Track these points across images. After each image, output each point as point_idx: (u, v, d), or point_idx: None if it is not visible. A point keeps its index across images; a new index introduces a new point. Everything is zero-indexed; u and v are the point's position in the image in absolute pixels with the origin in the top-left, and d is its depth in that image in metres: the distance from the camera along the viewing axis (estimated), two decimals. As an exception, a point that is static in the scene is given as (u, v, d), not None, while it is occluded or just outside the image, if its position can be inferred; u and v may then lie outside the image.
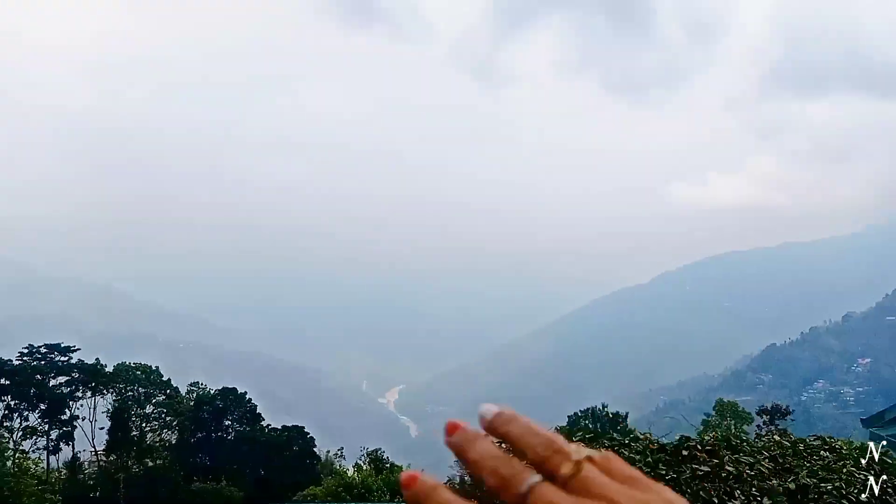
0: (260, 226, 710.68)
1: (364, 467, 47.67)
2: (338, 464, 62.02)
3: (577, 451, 0.81)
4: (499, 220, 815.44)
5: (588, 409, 46.13)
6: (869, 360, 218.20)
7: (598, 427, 41.05)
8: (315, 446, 59.87)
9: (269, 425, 61.20)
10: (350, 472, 43.66)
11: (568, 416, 45.38)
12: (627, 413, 46.70)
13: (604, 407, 46.40)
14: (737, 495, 9.72)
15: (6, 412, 54.07)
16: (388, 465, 47.10)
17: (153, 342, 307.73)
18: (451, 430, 0.91)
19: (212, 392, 61.50)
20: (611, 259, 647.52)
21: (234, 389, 61.41)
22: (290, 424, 62.11)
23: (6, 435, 48.11)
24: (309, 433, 59.72)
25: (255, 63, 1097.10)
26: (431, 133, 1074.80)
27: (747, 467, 10.44)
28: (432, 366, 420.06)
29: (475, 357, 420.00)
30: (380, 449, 58.33)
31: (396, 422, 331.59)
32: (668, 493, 0.81)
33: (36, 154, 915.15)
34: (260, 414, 61.55)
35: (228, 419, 58.88)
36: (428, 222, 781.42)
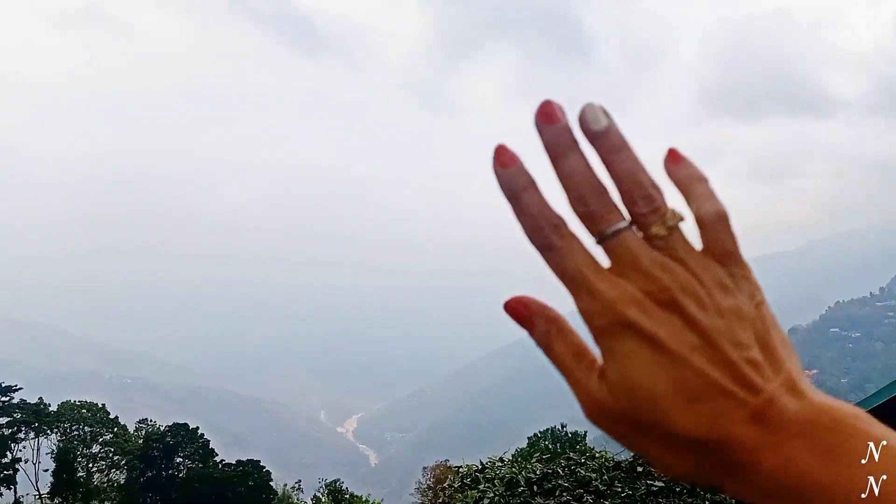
0: (209, 258, 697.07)
1: (322, 499, 46.73)
2: (295, 497, 60.57)
3: (674, 215, 0.71)
4: (451, 245, 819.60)
5: (547, 429, 46.22)
6: (815, 371, 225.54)
7: (557, 447, 41.18)
8: (271, 480, 58.37)
9: (222, 461, 59.41)
10: (308, 505, 42.73)
11: (528, 438, 45.34)
12: (586, 432, 46.84)
13: (563, 427, 46.57)
14: (691, 509, 9.91)
15: (-59, 457, 51.36)
16: (347, 496, 46.27)
17: (99, 380, 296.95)
18: (545, 119, 0.72)
19: (161, 429, 59.53)
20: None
21: (185, 425, 59.54)
22: (244, 459, 60.48)
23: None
24: (265, 467, 58.20)
25: (204, 100, 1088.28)
26: (383, 161, 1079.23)
27: (700, 481, 10.68)
28: (390, 392, 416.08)
29: (433, 382, 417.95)
30: (338, 479, 57.28)
31: (355, 451, 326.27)
32: (756, 286, 0.72)
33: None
34: (213, 450, 59.72)
35: (179, 456, 56.93)
36: (380, 249, 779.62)
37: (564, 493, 10.35)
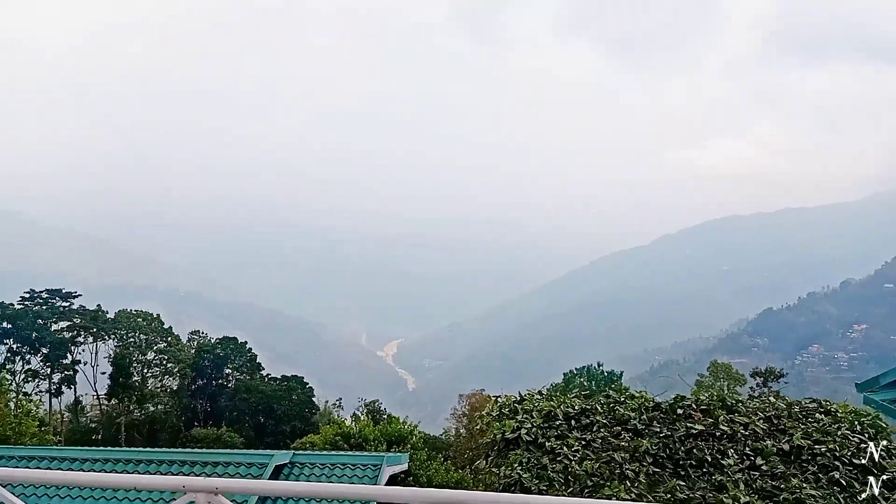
0: (260, 182, 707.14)
1: (362, 417, 48.37)
2: (336, 413, 62.98)
3: None
4: (495, 180, 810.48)
5: (583, 367, 46.38)
6: (865, 326, 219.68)
7: (593, 385, 41.40)
8: (314, 396, 60.71)
9: (268, 374, 61.96)
10: (348, 422, 44.28)
11: (563, 374, 45.66)
12: (622, 372, 46.88)
13: (599, 365, 46.65)
14: (730, 454, 9.82)
15: (8, 355, 54.73)
16: (385, 416, 47.76)
17: (153, 292, 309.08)
18: None
19: (212, 341, 62.07)
20: (610, 221, 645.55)
21: (235, 339, 61.99)
22: (289, 375, 62.88)
23: (8, 377, 48.73)
24: (308, 383, 60.46)
25: (244, 23, 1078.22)
26: (428, 93, 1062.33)
27: (742, 427, 10.53)
28: (429, 322, 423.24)
29: (470, 314, 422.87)
30: (377, 400, 59.18)
31: (394, 375, 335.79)
32: None
33: (36, 110, 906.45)
34: (260, 363, 62.25)
35: (229, 367, 59.60)
36: (423, 181, 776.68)
37: (602, 430, 10.35)
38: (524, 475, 9.21)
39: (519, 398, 11.66)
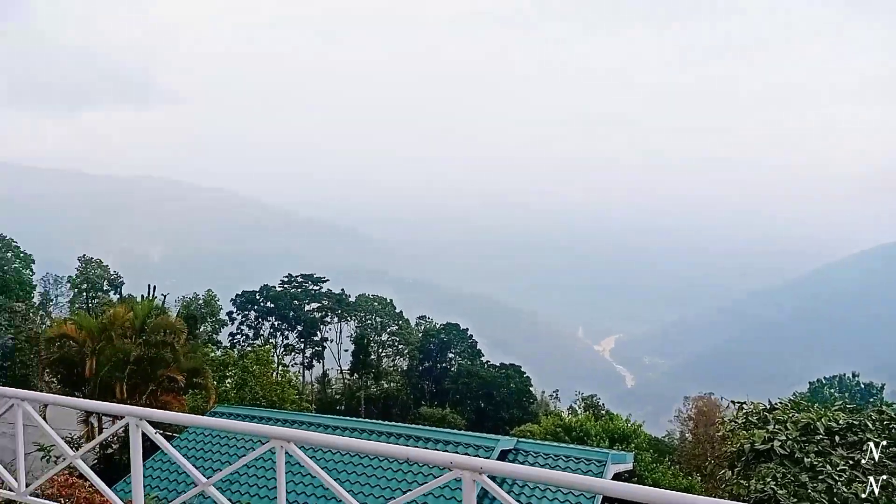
0: (481, 180, 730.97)
1: (579, 411, 47.96)
2: (553, 405, 63.32)
3: None
4: (728, 167, 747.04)
5: (835, 376, 41.27)
6: None
7: (846, 397, 36.60)
8: (531, 385, 61.56)
9: (487, 361, 64.15)
10: (565, 415, 44.14)
11: (809, 383, 41.05)
12: (884, 385, 40.80)
13: (854, 376, 41.19)
14: None
15: (271, 331, 63.37)
16: (604, 412, 46.78)
17: (385, 278, 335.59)
18: None
19: (437, 326, 65.85)
20: (879, 206, 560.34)
21: (457, 325, 65.11)
22: (507, 362, 64.48)
23: (272, 349, 56.35)
24: (525, 372, 61.48)
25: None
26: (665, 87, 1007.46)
27: None
28: (651, 317, 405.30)
29: (698, 312, 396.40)
30: (595, 395, 58.23)
31: (612, 370, 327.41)
32: None
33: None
34: (480, 350, 64.71)
35: (452, 352, 62.85)
36: (655, 172, 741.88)
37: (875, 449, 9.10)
38: (779, 491, 8.39)
39: (768, 406, 10.68)
